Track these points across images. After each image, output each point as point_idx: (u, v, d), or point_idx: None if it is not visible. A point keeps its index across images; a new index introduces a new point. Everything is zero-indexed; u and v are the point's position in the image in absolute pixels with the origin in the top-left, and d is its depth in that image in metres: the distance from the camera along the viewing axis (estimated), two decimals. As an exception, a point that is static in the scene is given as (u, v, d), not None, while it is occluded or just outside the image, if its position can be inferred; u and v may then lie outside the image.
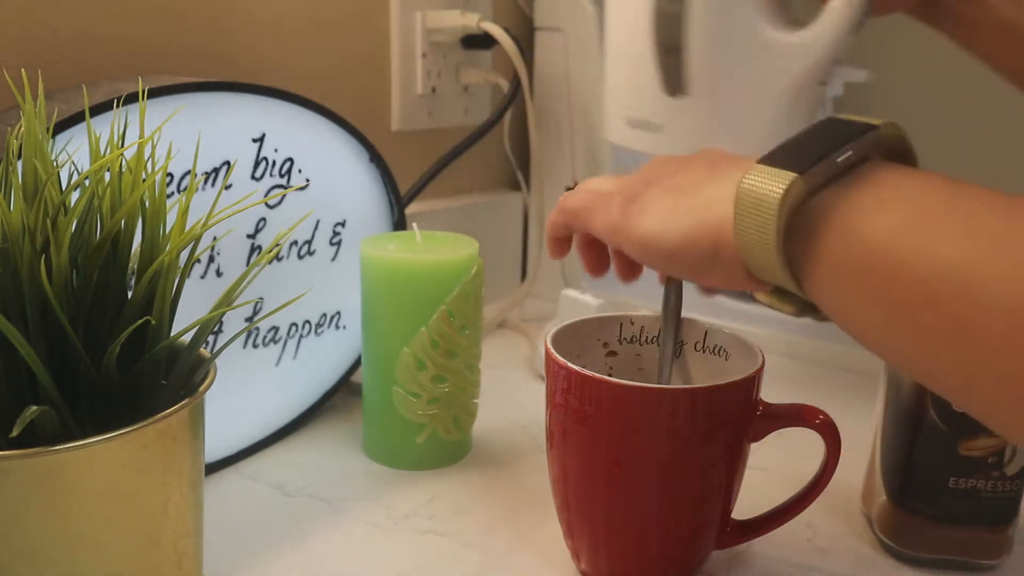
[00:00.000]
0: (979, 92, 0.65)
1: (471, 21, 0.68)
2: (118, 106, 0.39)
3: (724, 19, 0.49)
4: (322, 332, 0.55)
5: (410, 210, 0.70)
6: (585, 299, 0.66)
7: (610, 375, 0.38)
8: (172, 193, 0.44)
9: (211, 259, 0.47)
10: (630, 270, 0.43)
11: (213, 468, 0.49)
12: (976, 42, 0.55)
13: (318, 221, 0.52)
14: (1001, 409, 0.26)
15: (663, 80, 0.52)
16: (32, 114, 0.30)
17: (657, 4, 0.51)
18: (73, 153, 0.37)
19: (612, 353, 0.45)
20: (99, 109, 0.39)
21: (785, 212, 0.30)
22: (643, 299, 0.70)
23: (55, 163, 0.33)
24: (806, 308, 0.34)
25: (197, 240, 0.34)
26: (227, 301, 0.34)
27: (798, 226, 0.31)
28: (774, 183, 0.30)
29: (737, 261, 0.33)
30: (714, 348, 0.43)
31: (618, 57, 0.55)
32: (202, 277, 0.47)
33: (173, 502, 0.32)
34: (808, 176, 0.30)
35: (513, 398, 0.62)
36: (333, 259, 0.54)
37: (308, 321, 0.53)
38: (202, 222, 0.33)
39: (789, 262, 0.31)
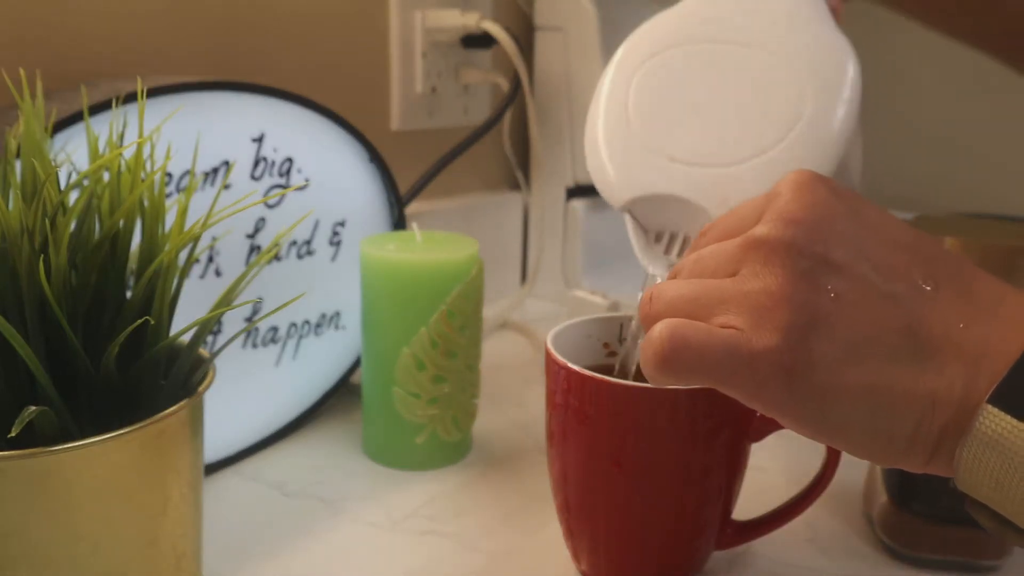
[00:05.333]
0: (981, 71, 0.65)
1: (471, 20, 0.68)
2: (117, 106, 0.39)
3: None
4: (322, 332, 0.55)
5: (410, 210, 0.70)
6: (594, 300, 0.66)
7: (610, 375, 0.38)
8: (171, 193, 0.44)
9: (210, 259, 0.47)
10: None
11: (213, 468, 0.49)
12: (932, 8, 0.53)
13: (317, 221, 0.52)
14: None
15: None
16: (31, 113, 0.30)
17: None
18: (72, 153, 0.37)
19: (612, 353, 0.45)
20: (98, 109, 0.39)
21: None
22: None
23: (54, 163, 0.33)
24: None
25: (196, 240, 0.33)
26: (226, 301, 0.34)
27: None
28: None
29: (947, 471, 0.26)
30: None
31: None
32: (201, 277, 0.46)
33: (172, 502, 0.32)
34: None
35: (513, 398, 0.61)
36: (333, 259, 0.54)
37: (308, 321, 0.53)
38: (201, 222, 0.33)
39: None
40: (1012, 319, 0.25)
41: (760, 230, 0.27)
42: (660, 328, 0.27)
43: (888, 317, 0.26)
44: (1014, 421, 0.24)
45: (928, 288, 0.26)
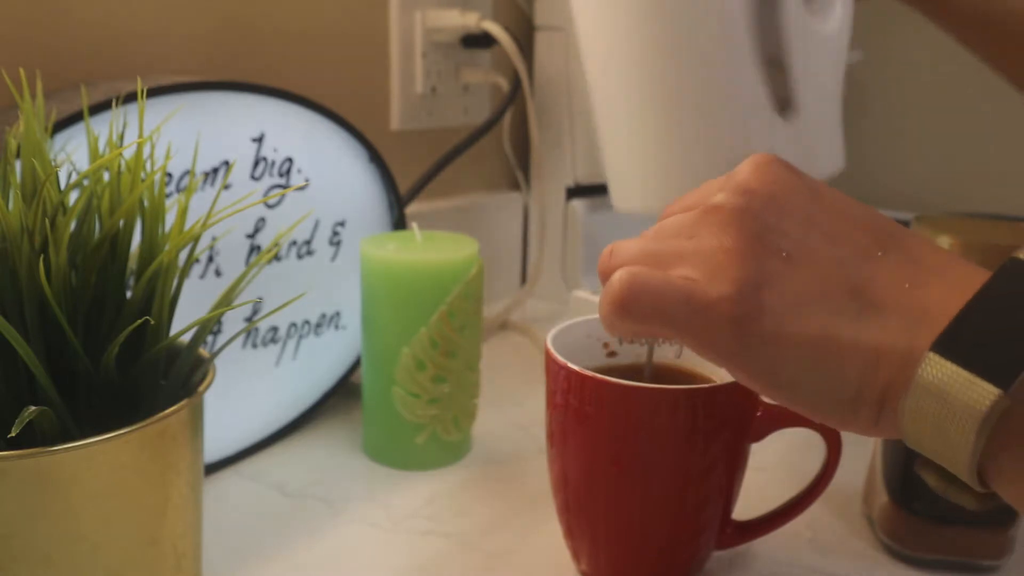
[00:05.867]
0: (981, 72, 0.65)
1: (471, 20, 0.68)
2: (117, 106, 0.39)
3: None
4: (322, 332, 0.55)
5: (410, 210, 0.70)
6: (594, 300, 0.66)
7: (610, 375, 0.38)
8: (171, 193, 0.44)
9: (210, 259, 0.47)
10: None
11: (213, 468, 0.49)
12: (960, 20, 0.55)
13: (318, 221, 0.52)
14: None
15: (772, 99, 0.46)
16: (31, 113, 0.30)
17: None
18: (72, 153, 0.37)
19: (612, 353, 0.45)
20: (98, 109, 0.39)
21: (985, 434, 0.24)
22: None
23: (54, 163, 0.33)
24: (985, 498, 0.28)
25: (196, 240, 0.33)
26: (226, 301, 0.34)
27: (995, 432, 0.24)
28: (967, 394, 0.24)
29: (895, 430, 0.27)
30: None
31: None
32: (201, 277, 0.46)
33: (172, 502, 0.32)
34: (1015, 391, 0.23)
35: (513, 398, 0.62)
36: (333, 259, 0.54)
37: (308, 321, 0.53)
38: (201, 222, 0.33)
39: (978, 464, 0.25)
40: (956, 283, 0.26)
41: (718, 198, 0.29)
42: (620, 273, 0.28)
43: (836, 277, 0.27)
44: (954, 367, 0.24)
45: (877, 254, 0.27)
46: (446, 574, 0.41)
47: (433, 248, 0.50)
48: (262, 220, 0.49)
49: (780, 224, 0.28)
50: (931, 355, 0.25)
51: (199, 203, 0.43)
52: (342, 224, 0.54)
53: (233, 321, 0.49)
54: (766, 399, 0.28)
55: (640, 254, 0.29)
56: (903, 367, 0.25)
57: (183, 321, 0.33)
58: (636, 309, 0.28)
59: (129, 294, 0.33)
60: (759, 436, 0.39)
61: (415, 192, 0.67)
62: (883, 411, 0.26)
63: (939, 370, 0.24)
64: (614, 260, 0.30)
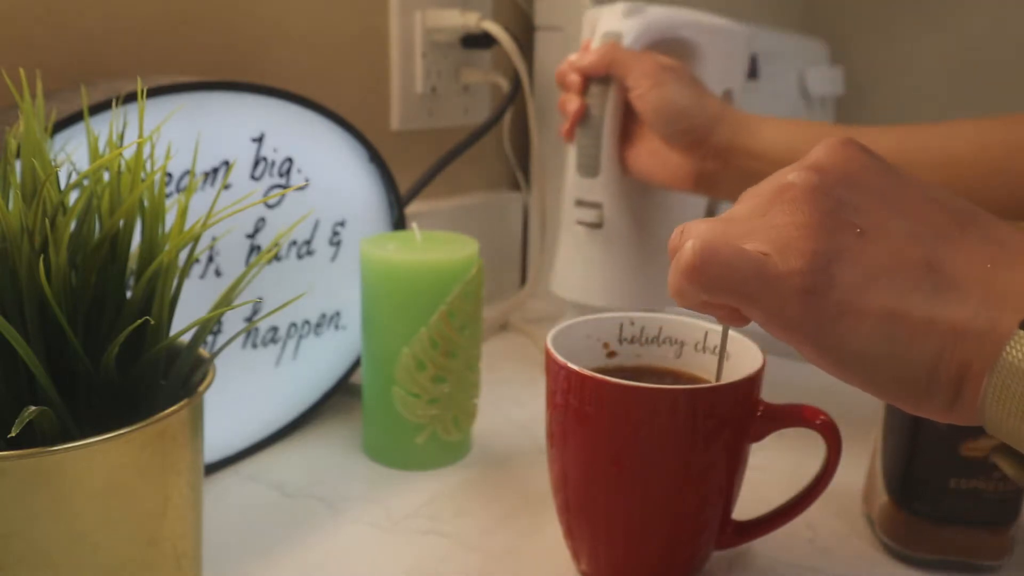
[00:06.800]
0: (981, 73, 0.65)
1: (471, 20, 0.68)
2: (117, 105, 0.39)
3: None
4: (322, 332, 0.55)
5: (410, 210, 0.70)
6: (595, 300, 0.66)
7: (611, 375, 0.38)
8: (171, 193, 0.44)
9: (210, 259, 0.47)
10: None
11: (213, 468, 0.49)
12: None
13: (317, 221, 0.52)
14: None
15: None
16: (31, 113, 0.30)
17: None
18: (72, 153, 0.37)
19: (612, 353, 0.45)
20: (98, 109, 0.39)
21: None
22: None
23: (54, 163, 0.33)
24: None
25: (196, 240, 0.33)
26: (226, 301, 0.34)
27: None
28: None
29: (973, 414, 0.26)
30: (714, 349, 0.43)
31: None
32: (201, 277, 0.46)
33: (172, 502, 0.32)
34: None
35: (513, 398, 0.62)
36: (333, 259, 0.54)
37: (308, 321, 0.53)
38: (201, 222, 0.33)
39: None
40: None
41: (790, 176, 0.28)
42: (691, 241, 0.27)
43: (910, 252, 0.26)
44: None
45: (955, 232, 0.27)
46: (446, 574, 0.41)
47: (433, 248, 0.50)
48: (262, 220, 0.49)
49: (853, 200, 0.27)
50: (1021, 333, 0.24)
51: (199, 203, 0.43)
52: (342, 224, 0.54)
53: (233, 321, 0.49)
54: (840, 379, 0.27)
55: (711, 231, 0.29)
56: (983, 347, 0.24)
57: (183, 321, 0.33)
58: (706, 278, 0.27)
59: (129, 294, 0.33)
60: (759, 436, 0.39)
61: (415, 192, 0.67)
62: (960, 393, 0.25)
63: None
64: (684, 238, 0.29)
